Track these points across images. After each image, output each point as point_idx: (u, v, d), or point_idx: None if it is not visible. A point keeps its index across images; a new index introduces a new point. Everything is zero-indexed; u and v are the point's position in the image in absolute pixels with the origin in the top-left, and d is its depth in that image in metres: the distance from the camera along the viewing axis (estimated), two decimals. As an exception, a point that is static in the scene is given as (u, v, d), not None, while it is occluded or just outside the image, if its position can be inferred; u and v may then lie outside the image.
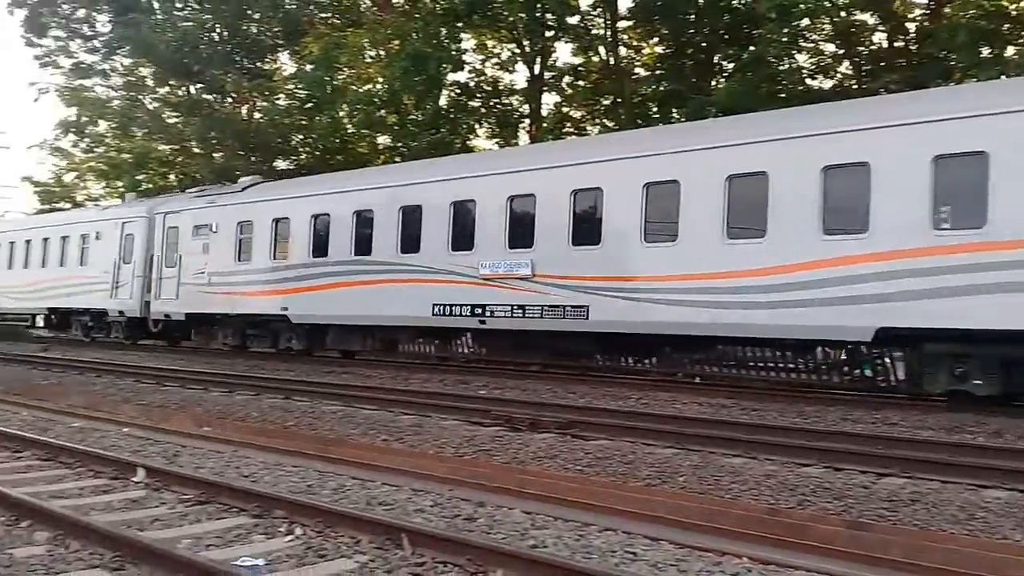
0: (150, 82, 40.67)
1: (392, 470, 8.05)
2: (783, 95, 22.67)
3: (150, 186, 38.10)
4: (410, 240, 17.81)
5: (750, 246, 12.98)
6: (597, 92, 31.13)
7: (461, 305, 16.49)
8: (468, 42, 31.79)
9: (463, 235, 16.83)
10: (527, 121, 31.56)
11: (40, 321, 30.35)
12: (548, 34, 29.95)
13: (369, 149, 32.22)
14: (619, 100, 29.44)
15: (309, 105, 32.49)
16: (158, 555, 5.11)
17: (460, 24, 29.56)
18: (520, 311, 15.61)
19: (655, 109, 28.25)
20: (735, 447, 8.99)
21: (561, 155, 16.69)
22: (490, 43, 32.93)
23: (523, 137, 31.47)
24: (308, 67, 32.63)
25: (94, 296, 25.78)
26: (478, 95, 31.96)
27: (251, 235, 21.24)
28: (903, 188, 11.53)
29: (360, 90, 31.20)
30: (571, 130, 31.00)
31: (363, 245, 18.69)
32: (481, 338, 17.66)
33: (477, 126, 31.77)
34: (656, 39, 30.55)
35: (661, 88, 28.77)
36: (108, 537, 5.46)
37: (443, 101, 30.56)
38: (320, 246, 19.60)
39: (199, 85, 37.34)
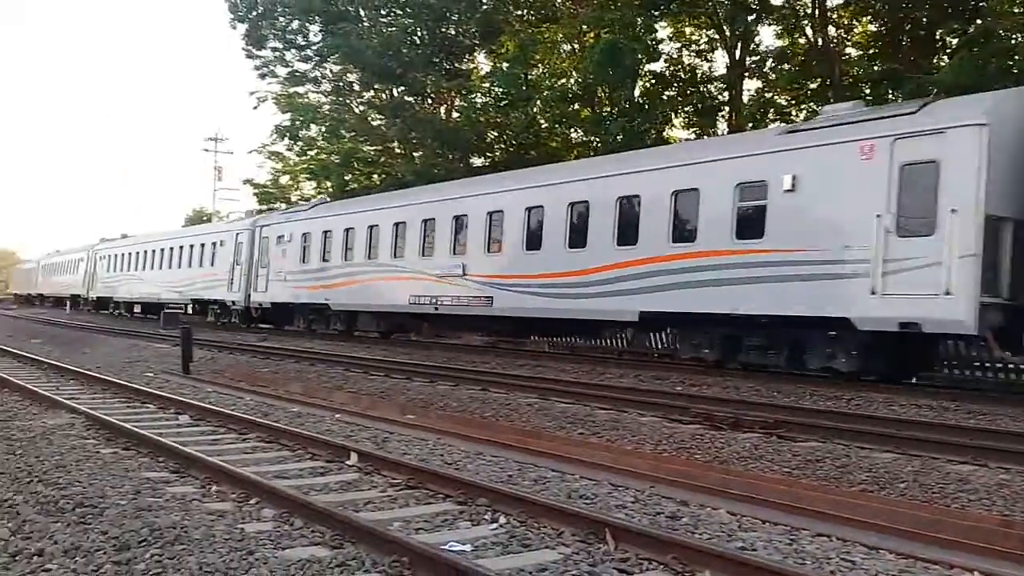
0: (357, 87, 42.86)
1: (590, 464, 8.01)
2: (1015, 71, 20.62)
3: (355, 185, 40.14)
4: (398, 248, 23.52)
5: (580, 254, 17.88)
6: (804, 75, 29.68)
7: (425, 296, 21.99)
8: (664, 30, 31.19)
9: (427, 245, 22.45)
10: (726, 109, 30.55)
11: (189, 309, 38.10)
12: (750, 17, 28.84)
13: (562, 144, 32.34)
14: (828, 83, 27.90)
15: (504, 102, 33.08)
16: (373, 536, 5.31)
17: (657, 12, 29.07)
18: (457, 300, 21.01)
19: (868, 91, 26.55)
20: (962, 453, 8.32)
21: (482, 187, 22.39)
22: (688, 30, 32.14)
23: (721, 126, 30.51)
24: (503, 65, 33.22)
25: (219, 290, 33.06)
26: (675, 84, 31.26)
27: (309, 244, 27.63)
28: (657, 213, 16.41)
29: (554, 85, 31.38)
30: (774, 117, 29.65)
31: (372, 252, 24.55)
32: (439, 321, 23.51)
33: (673, 116, 31.07)
34: (869, 16, 28.72)
35: (875, 68, 27.05)
36: (328, 516, 5.74)
37: (638, 92, 30.16)
38: (347, 252, 25.65)
39: (401, 88, 38.91)
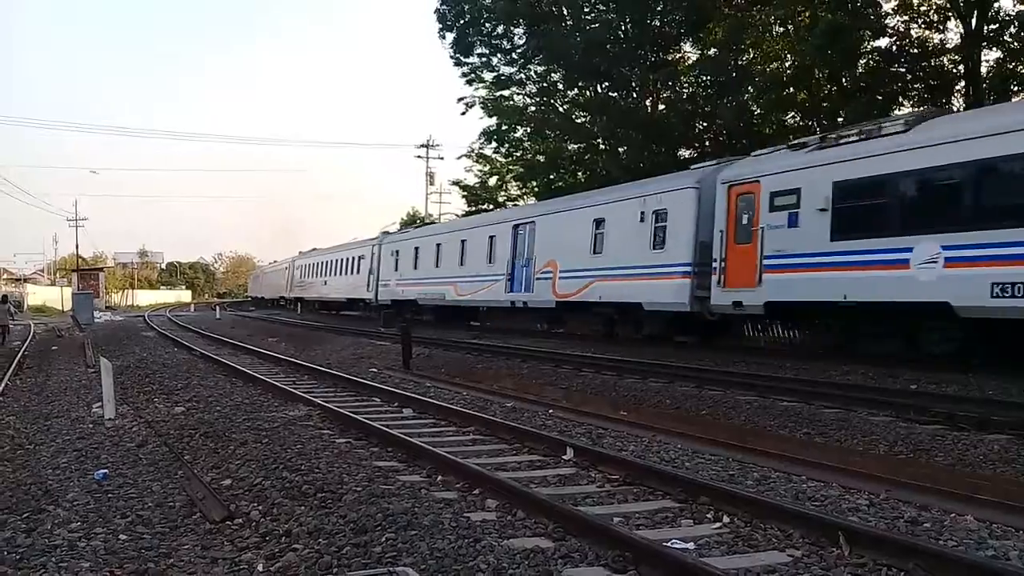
0: (561, 86, 43.27)
1: (817, 465, 7.61)
2: None
3: (560, 184, 40.47)
4: (316, 273, 52.93)
5: (351, 276, 44.76)
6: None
7: (321, 293, 51.88)
8: (889, 3, 28.94)
9: (321, 273, 51.52)
10: (962, 83, 27.91)
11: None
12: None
13: (776, 130, 30.91)
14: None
15: (712, 91, 32.16)
16: (596, 530, 5.31)
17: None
18: (328, 294, 49.88)
19: None
20: None
21: (327, 250, 54.15)
22: (915, 0, 29.57)
23: (957, 102, 27.88)
24: (711, 52, 32.32)
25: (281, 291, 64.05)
26: (902, 59, 28.91)
27: (301, 271, 57.46)
28: (353, 265, 45.02)
29: (767, 69, 30.09)
30: (1018, 89, 26.76)
31: (313, 275, 53.73)
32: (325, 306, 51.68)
33: (900, 96, 28.78)
34: None
35: None
36: (550, 509, 5.80)
37: (860, 70, 28.27)
38: (310, 274, 54.65)
39: (606, 84, 38.85)
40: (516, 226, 26.94)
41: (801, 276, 15.97)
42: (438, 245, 33.37)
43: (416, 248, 35.57)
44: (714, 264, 17.89)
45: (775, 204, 16.64)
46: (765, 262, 16.70)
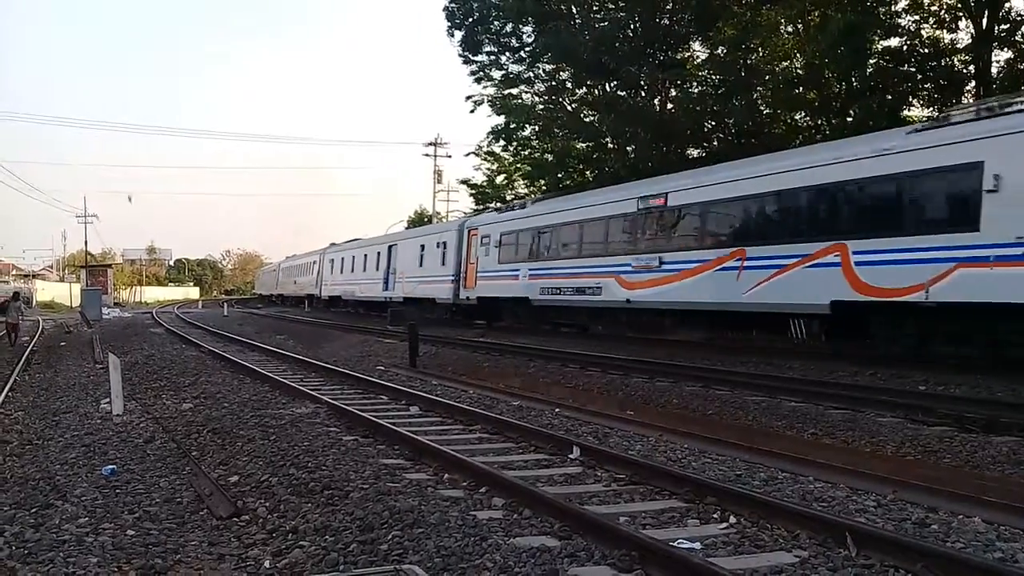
0: (569, 85, 43.16)
1: (825, 466, 7.57)
2: None
3: (569, 183, 40.40)
4: (290, 275, 65.46)
5: (309, 277, 56.77)
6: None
7: (294, 291, 63.28)
8: (900, 2, 28.75)
9: (293, 274, 64.62)
10: (972, 83, 27.72)
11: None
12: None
13: (787, 130, 30.80)
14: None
15: (722, 90, 32.02)
16: (602, 529, 5.31)
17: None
18: (296, 291, 62.80)
19: None
20: None
21: (300, 254, 69.23)
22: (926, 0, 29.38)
23: (967, 103, 27.64)
24: (720, 51, 32.20)
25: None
26: (913, 59, 28.73)
27: (289, 271, 67.19)
28: (314, 268, 56.78)
29: (777, 68, 29.97)
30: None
31: (290, 275, 65.54)
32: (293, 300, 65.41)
33: (911, 96, 28.60)
34: None
35: None
36: (556, 508, 5.81)
37: (870, 70, 28.13)
38: (290, 275, 65.48)
39: (614, 82, 38.75)
40: (390, 247, 40.00)
41: (490, 283, 29.06)
42: (353, 256, 46.35)
43: (342, 258, 48.57)
44: (461, 275, 31.19)
45: (483, 242, 29.70)
46: (479, 274, 29.74)
